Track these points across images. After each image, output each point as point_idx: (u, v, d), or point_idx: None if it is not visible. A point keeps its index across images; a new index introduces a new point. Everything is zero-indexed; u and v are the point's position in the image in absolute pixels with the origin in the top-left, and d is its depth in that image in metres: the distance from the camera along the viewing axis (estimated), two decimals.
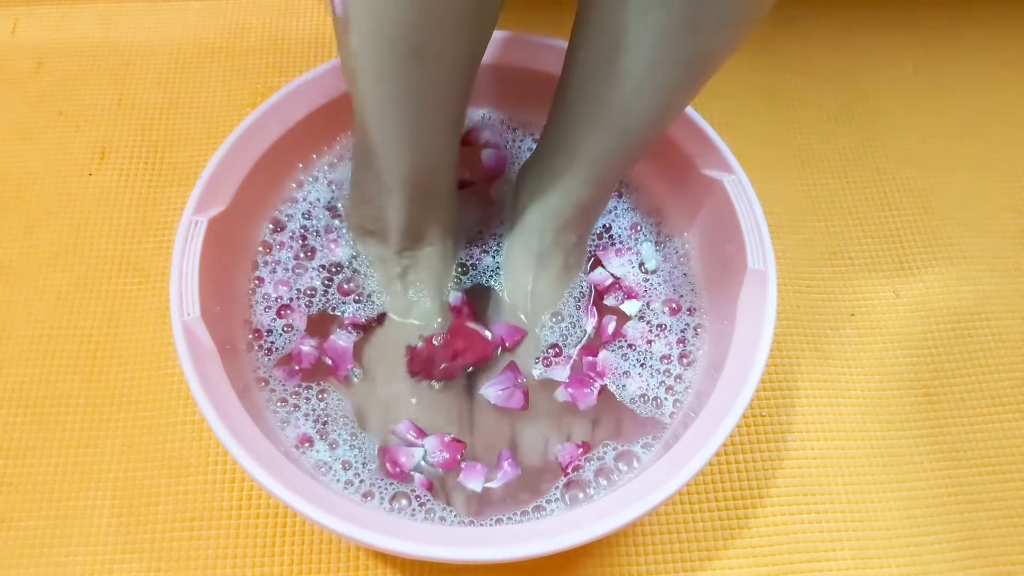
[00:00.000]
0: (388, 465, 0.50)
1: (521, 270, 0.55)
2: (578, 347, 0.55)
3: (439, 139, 0.48)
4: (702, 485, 0.55)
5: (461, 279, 0.57)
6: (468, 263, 0.58)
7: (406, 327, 0.54)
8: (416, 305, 0.55)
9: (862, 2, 0.81)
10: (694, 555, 0.53)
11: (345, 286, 0.56)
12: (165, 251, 0.63)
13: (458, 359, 0.53)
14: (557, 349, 0.55)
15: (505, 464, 0.51)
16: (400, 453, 0.50)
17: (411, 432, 0.51)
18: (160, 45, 0.75)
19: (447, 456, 0.50)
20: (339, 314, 0.55)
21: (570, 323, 0.56)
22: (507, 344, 0.54)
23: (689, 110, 0.55)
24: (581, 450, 0.51)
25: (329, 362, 0.53)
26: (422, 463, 0.50)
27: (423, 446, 0.51)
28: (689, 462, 0.43)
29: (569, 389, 0.53)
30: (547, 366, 0.54)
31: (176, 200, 0.66)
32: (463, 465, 0.50)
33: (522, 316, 0.55)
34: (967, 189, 0.70)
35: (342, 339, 0.54)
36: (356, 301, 0.55)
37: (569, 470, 0.50)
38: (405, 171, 0.48)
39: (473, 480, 0.50)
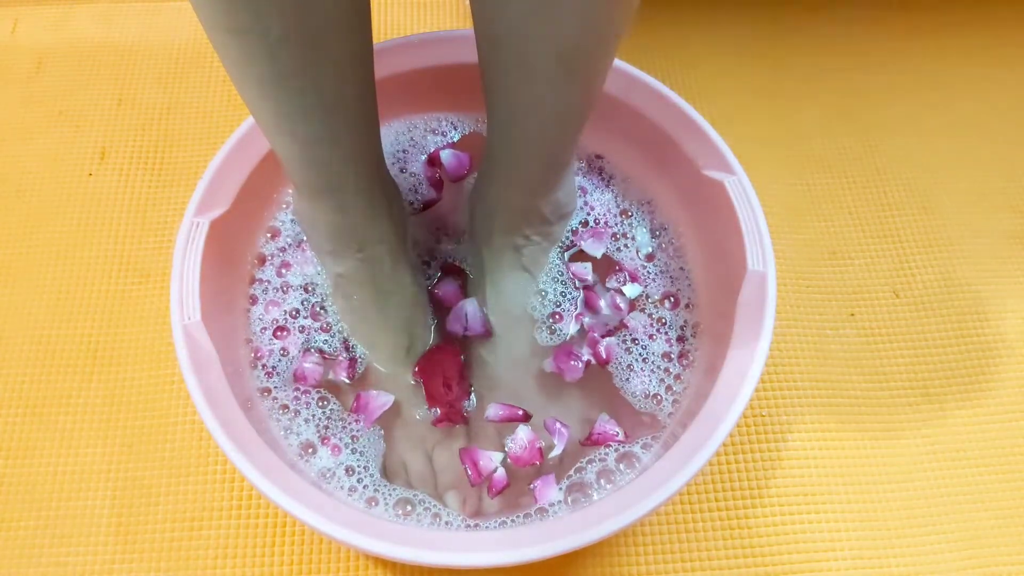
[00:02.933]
0: (469, 468, 0.50)
1: (477, 277, 0.56)
2: (576, 305, 0.56)
3: (319, 129, 0.44)
4: (702, 485, 0.55)
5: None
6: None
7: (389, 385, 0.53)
8: (355, 315, 0.54)
9: (862, 2, 0.81)
10: (694, 555, 0.53)
11: (317, 308, 0.55)
12: (165, 252, 0.63)
13: (451, 385, 0.53)
14: (558, 315, 0.56)
15: (558, 427, 0.51)
16: (480, 456, 0.50)
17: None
18: (160, 45, 0.75)
19: (525, 451, 0.51)
20: (312, 348, 0.54)
21: (558, 295, 0.56)
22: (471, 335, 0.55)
23: (689, 110, 0.55)
24: (620, 432, 0.51)
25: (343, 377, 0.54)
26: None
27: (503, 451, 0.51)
28: (689, 462, 0.43)
29: (556, 362, 0.54)
30: (551, 331, 0.55)
31: (176, 201, 0.66)
32: (536, 484, 0.50)
33: (491, 318, 0.55)
34: (967, 189, 0.69)
35: (377, 400, 0.53)
36: (324, 330, 0.55)
37: (602, 443, 0.51)
38: (292, 164, 0.47)
39: (549, 493, 0.50)
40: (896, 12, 0.80)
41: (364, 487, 0.49)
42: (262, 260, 0.57)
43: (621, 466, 0.51)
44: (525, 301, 0.55)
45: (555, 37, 0.39)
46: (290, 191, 0.58)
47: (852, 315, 0.63)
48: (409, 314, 0.54)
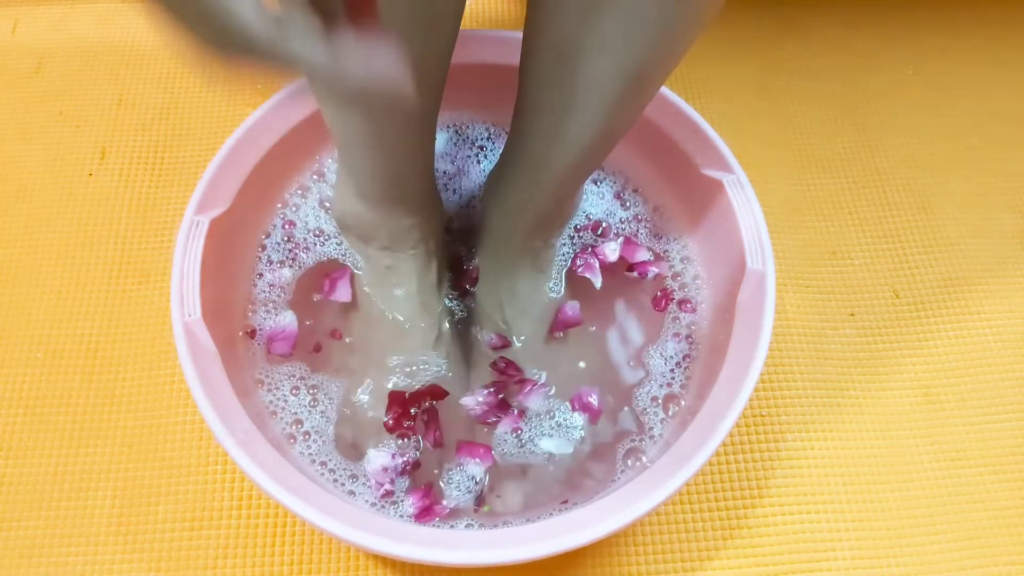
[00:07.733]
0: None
1: (492, 276, 0.55)
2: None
3: (403, 140, 0.46)
4: (702, 485, 0.55)
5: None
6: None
7: (391, 322, 0.54)
8: (399, 302, 0.54)
9: (862, 2, 0.81)
10: (694, 555, 0.53)
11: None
12: (165, 251, 0.63)
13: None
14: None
15: (589, 400, 0.53)
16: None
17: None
18: (160, 45, 0.75)
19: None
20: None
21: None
22: (497, 346, 0.55)
23: (689, 110, 0.55)
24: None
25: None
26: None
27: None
28: (688, 462, 0.43)
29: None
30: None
31: (177, 200, 0.66)
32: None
33: (500, 323, 0.55)
34: (967, 189, 0.70)
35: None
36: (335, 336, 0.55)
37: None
38: (369, 172, 0.48)
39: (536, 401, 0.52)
40: (896, 12, 0.80)
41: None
42: (265, 259, 0.57)
43: (629, 461, 0.51)
44: (540, 299, 0.56)
45: (630, 57, 0.39)
46: (292, 189, 0.59)
47: (852, 315, 0.63)
48: (436, 301, 0.55)
